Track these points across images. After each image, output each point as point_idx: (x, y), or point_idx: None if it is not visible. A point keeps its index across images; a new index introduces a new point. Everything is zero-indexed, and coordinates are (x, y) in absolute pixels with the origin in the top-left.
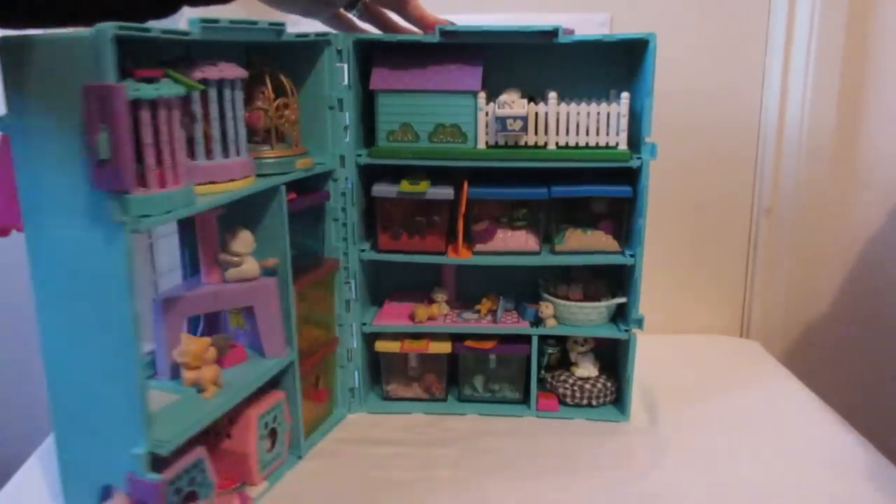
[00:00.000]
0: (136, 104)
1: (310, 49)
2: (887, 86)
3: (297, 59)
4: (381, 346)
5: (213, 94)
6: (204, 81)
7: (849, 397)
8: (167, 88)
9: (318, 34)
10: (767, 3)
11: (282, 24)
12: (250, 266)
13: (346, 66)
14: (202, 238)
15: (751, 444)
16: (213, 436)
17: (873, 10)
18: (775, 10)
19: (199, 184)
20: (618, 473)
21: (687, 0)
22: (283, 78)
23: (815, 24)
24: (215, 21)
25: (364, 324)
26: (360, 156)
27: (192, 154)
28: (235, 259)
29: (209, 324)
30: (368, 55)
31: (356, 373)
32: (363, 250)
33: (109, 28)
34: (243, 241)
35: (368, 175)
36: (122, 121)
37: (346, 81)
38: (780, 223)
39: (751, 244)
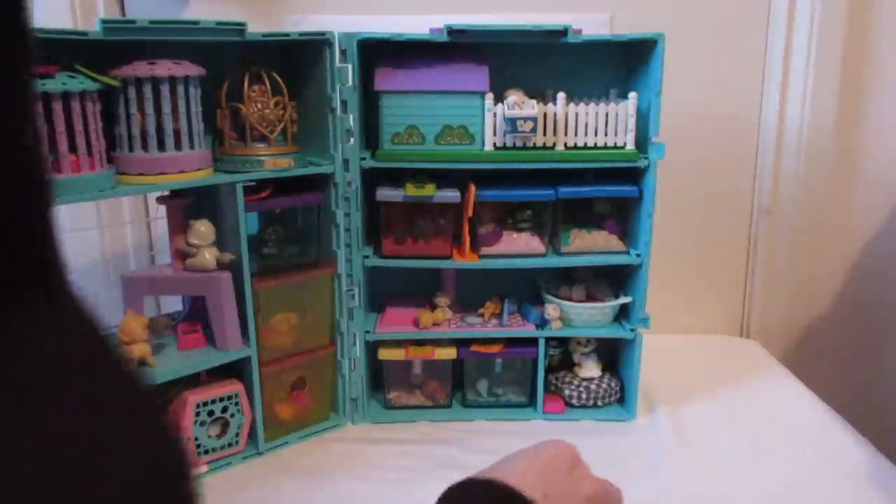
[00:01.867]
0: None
1: (310, 49)
2: (887, 86)
3: (296, 59)
4: (386, 353)
5: (165, 90)
6: (139, 79)
7: (849, 397)
8: (54, 84)
9: (317, 33)
10: (768, 3)
11: (241, 24)
12: (205, 258)
13: (349, 66)
14: (169, 226)
15: (752, 443)
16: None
17: (873, 11)
18: (775, 10)
19: (150, 174)
20: (626, 473)
21: (687, 0)
22: (275, 77)
23: (815, 24)
24: (119, 21)
25: (367, 332)
26: (363, 159)
27: (145, 146)
28: (192, 250)
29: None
30: (370, 55)
31: (359, 382)
32: (366, 256)
33: None
34: (198, 233)
35: (368, 178)
36: None
37: (350, 82)
38: (780, 223)
39: (751, 244)
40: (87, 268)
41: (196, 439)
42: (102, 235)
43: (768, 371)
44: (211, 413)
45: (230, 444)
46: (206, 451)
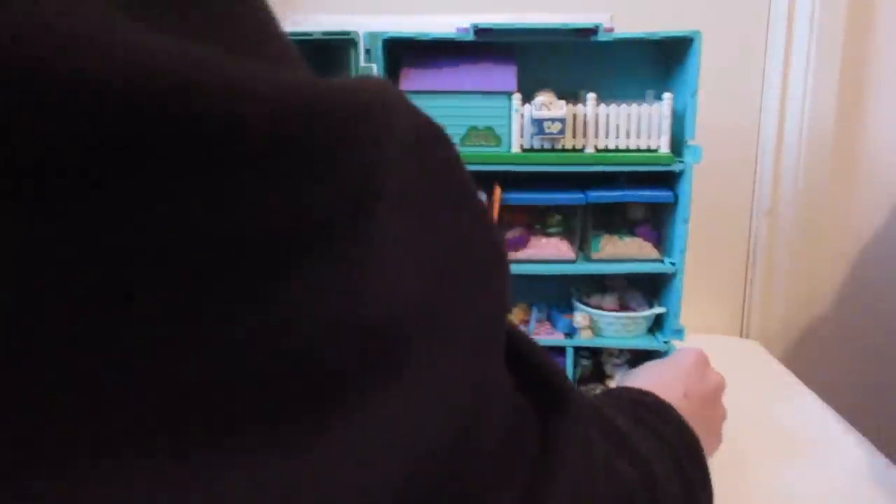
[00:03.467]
0: None
1: (334, 49)
2: (887, 86)
3: (320, 59)
4: None
5: None
6: None
7: (849, 397)
8: None
9: (341, 32)
10: (768, 3)
11: None
12: None
13: (374, 66)
14: None
15: (751, 444)
16: None
17: (873, 11)
18: (775, 9)
19: None
20: None
21: (687, 0)
22: None
23: (815, 24)
24: None
25: None
26: None
27: None
28: None
29: None
30: (398, 55)
31: None
32: None
33: None
34: None
35: None
36: None
37: None
38: (780, 223)
39: (751, 244)
40: None
41: None
42: None
43: (768, 371)
44: None
45: None
46: None
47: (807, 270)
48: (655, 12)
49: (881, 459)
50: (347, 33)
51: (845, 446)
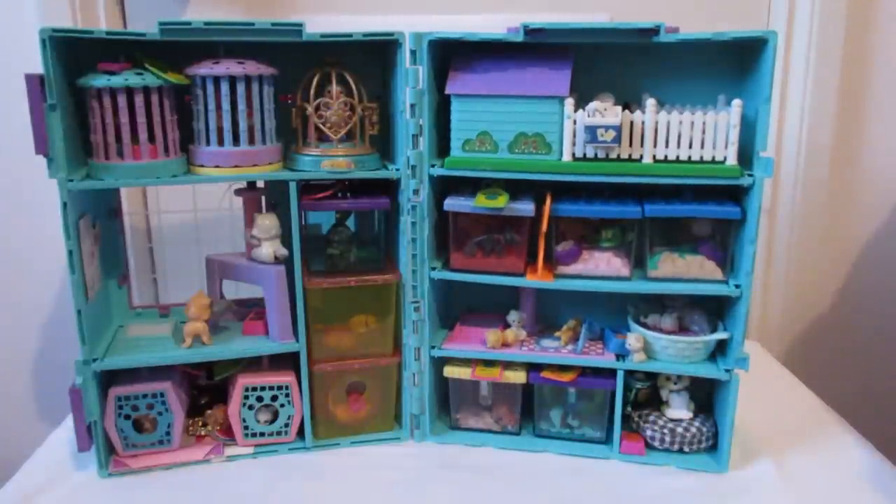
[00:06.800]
0: (102, 91)
1: (379, 50)
2: (887, 86)
3: (364, 60)
4: (451, 371)
5: (225, 88)
6: (216, 77)
7: (849, 397)
8: (119, 80)
9: (384, 33)
10: (767, 3)
11: (298, 25)
12: (264, 250)
13: (420, 68)
14: (245, 216)
15: (750, 443)
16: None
17: (872, 12)
18: (775, 10)
19: (204, 166)
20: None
21: (687, 0)
22: (347, 78)
23: (815, 24)
24: (175, 23)
25: (433, 347)
26: (433, 166)
27: (221, 141)
28: (255, 241)
29: None
30: (446, 57)
31: (422, 398)
32: (434, 268)
33: (46, 30)
34: (260, 226)
35: (443, 187)
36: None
37: (421, 85)
38: (780, 224)
39: None
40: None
41: (244, 420)
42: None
43: (768, 371)
44: (260, 399)
45: (279, 433)
46: (254, 434)
47: (806, 271)
48: (655, 13)
49: (881, 459)
50: (391, 34)
51: (845, 446)
